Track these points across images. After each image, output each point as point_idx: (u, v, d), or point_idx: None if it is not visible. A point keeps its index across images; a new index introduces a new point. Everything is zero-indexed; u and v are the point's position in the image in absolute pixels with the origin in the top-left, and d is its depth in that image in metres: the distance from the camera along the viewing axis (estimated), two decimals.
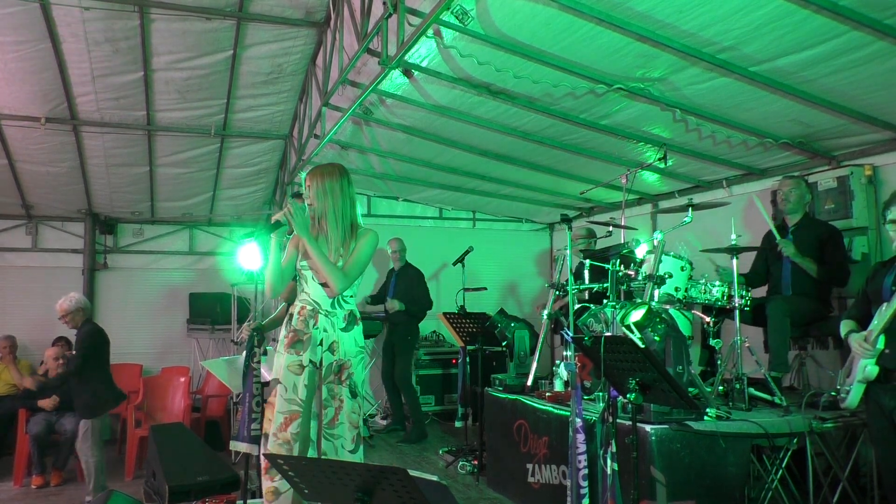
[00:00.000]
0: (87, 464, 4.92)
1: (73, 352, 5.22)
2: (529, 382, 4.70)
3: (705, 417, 3.42)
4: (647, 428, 3.27)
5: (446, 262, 7.50)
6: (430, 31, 3.78)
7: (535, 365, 4.82)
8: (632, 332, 3.79)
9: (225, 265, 8.13)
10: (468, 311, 6.20)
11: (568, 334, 4.08)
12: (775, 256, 4.58)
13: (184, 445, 4.19)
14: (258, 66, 5.72)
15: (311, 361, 3.06)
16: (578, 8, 3.49)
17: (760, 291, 4.75)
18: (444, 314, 5.81)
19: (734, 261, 4.11)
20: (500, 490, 4.75)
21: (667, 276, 4.18)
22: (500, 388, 4.93)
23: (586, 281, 4.82)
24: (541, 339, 5.03)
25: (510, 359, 5.69)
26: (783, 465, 3.49)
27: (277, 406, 3.04)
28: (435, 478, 1.82)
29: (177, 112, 6.19)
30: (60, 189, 7.26)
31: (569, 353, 4.37)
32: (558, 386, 4.46)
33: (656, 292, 4.19)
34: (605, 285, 4.41)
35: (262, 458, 3.18)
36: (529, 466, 4.30)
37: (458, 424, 6.04)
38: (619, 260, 4.35)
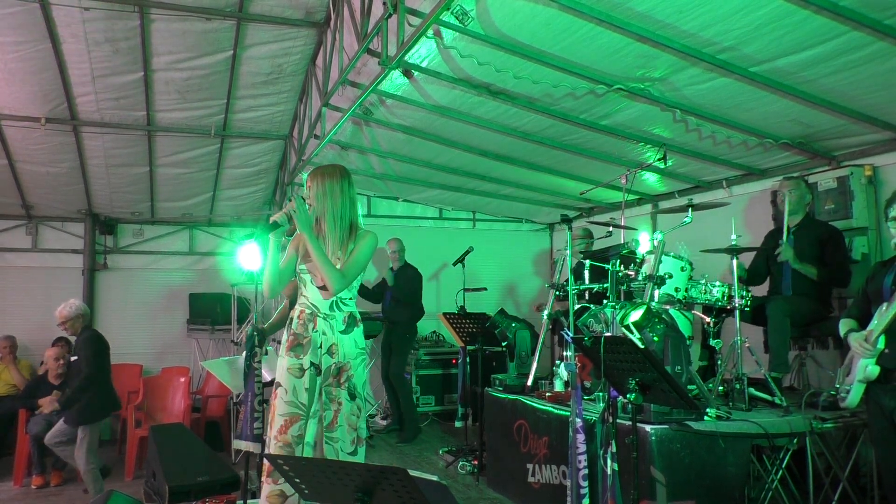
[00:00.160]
0: (84, 472, 4.91)
1: (74, 357, 5.21)
2: (529, 382, 4.70)
3: (705, 417, 3.42)
4: (647, 428, 3.27)
5: (446, 263, 7.51)
6: (430, 32, 3.78)
7: (535, 365, 4.82)
8: (631, 332, 3.79)
9: (225, 265, 8.13)
10: (468, 311, 6.20)
11: (568, 334, 4.08)
12: (776, 257, 4.58)
13: (184, 446, 4.19)
14: (258, 66, 5.72)
15: (311, 364, 3.06)
16: (578, 8, 3.49)
17: (761, 291, 4.75)
18: (444, 314, 5.81)
19: (734, 261, 4.12)
20: (500, 490, 4.75)
21: (667, 276, 4.19)
22: (500, 389, 4.93)
23: (586, 281, 4.82)
24: (541, 340, 5.03)
25: (510, 359, 5.70)
26: (783, 465, 3.49)
27: (277, 409, 3.03)
28: (435, 478, 1.82)
29: (177, 112, 6.19)
30: (60, 189, 7.26)
31: (569, 354, 4.37)
32: (558, 386, 4.46)
33: (656, 292, 4.20)
34: (605, 285, 4.41)
35: (264, 460, 3.18)
36: (529, 466, 4.30)
37: (458, 424, 6.04)
38: (619, 260, 4.35)
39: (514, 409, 4.60)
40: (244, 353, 3.85)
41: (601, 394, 3.95)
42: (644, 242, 4.42)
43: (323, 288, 3.08)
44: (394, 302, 6.87)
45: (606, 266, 4.42)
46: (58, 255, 7.90)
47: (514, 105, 4.81)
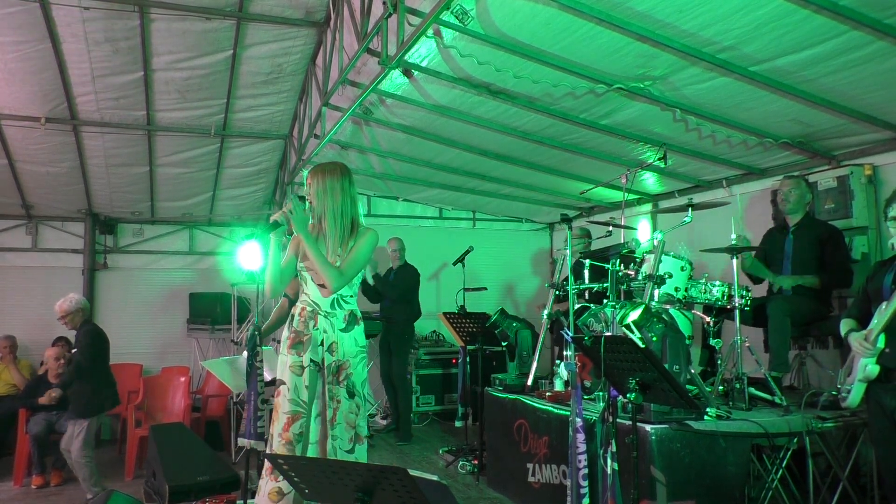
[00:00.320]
0: (80, 466, 4.88)
1: (74, 350, 5.21)
2: (529, 382, 4.70)
3: (705, 417, 3.41)
4: (647, 428, 3.27)
5: (446, 262, 7.50)
6: (430, 31, 3.78)
7: (535, 365, 4.82)
8: (631, 331, 3.79)
9: (225, 265, 8.12)
10: (468, 310, 6.20)
11: (568, 334, 4.08)
12: (776, 257, 4.58)
13: (184, 445, 4.19)
14: (258, 66, 5.72)
15: (312, 361, 3.07)
16: (578, 8, 3.49)
17: (761, 291, 4.75)
18: (444, 314, 5.81)
19: (734, 261, 4.11)
20: (501, 490, 4.75)
21: (667, 276, 4.18)
22: (501, 388, 4.93)
23: (586, 281, 4.82)
24: (541, 339, 5.03)
25: (511, 359, 5.69)
26: (783, 465, 3.49)
27: (281, 407, 3.05)
28: (435, 477, 1.82)
29: (177, 112, 6.19)
30: (60, 189, 7.26)
31: (569, 353, 4.37)
32: (558, 386, 4.46)
33: (656, 292, 4.20)
34: (605, 285, 4.41)
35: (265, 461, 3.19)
36: (530, 466, 4.30)
37: (458, 424, 6.04)
38: (619, 260, 4.35)
39: (515, 408, 4.60)
40: (245, 352, 3.87)
41: (601, 393, 3.95)
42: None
43: (323, 286, 3.08)
44: (392, 301, 6.86)
45: (606, 266, 4.42)
46: (58, 254, 7.90)
47: (514, 105, 4.81)
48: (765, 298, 4.52)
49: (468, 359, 5.81)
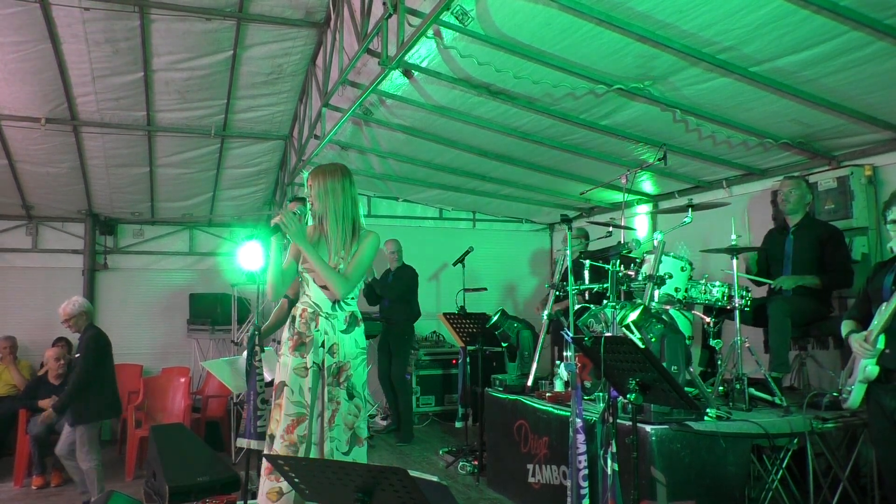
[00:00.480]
0: (87, 472, 4.86)
1: (77, 355, 5.20)
2: (529, 383, 4.70)
3: (705, 417, 3.41)
4: (648, 428, 3.27)
5: (446, 263, 7.50)
6: (430, 32, 3.78)
7: (535, 365, 4.82)
8: (630, 332, 3.79)
9: (225, 266, 8.13)
10: (468, 311, 6.19)
11: (568, 334, 4.08)
12: (777, 258, 4.58)
13: (184, 446, 4.19)
14: (258, 66, 5.72)
15: (314, 363, 3.06)
16: (579, 8, 3.49)
17: (761, 291, 4.75)
18: (444, 314, 5.81)
19: (734, 261, 4.11)
20: (501, 490, 4.75)
21: (667, 276, 4.18)
22: (501, 389, 4.93)
23: (585, 281, 4.82)
24: (541, 340, 5.03)
25: (511, 359, 5.69)
26: (783, 466, 3.49)
27: (284, 409, 3.04)
28: (435, 478, 1.81)
29: (177, 112, 6.19)
30: (60, 189, 7.26)
31: (569, 354, 4.37)
32: (558, 386, 4.46)
33: (656, 293, 4.19)
34: (605, 285, 4.41)
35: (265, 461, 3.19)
36: (530, 467, 4.30)
37: (458, 425, 6.04)
38: (619, 260, 4.35)
39: (515, 409, 4.59)
40: (244, 353, 3.87)
41: (601, 394, 3.95)
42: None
43: (325, 287, 3.08)
44: (391, 302, 6.86)
45: (606, 266, 4.42)
46: (58, 255, 7.90)
47: (514, 105, 4.81)
48: (765, 299, 4.52)
49: (468, 359, 5.81)
